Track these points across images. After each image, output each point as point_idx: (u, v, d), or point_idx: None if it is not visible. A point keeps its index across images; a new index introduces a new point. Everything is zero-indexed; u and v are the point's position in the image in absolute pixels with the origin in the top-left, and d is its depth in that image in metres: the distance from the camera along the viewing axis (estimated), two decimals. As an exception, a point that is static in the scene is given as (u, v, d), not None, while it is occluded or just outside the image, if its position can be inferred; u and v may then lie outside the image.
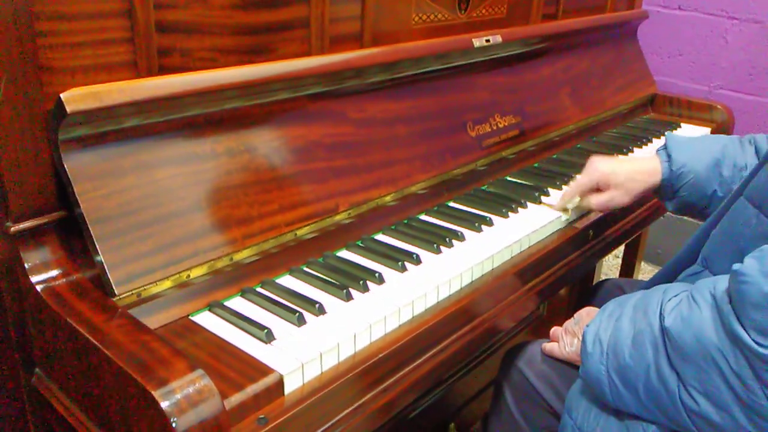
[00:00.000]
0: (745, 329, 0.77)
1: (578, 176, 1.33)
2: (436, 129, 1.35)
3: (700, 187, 1.27)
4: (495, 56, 1.53)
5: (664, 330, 0.87)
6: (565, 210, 1.33)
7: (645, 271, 2.87)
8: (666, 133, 1.38)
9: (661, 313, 0.89)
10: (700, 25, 2.62)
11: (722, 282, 0.84)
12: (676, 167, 1.27)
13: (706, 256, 1.06)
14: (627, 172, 1.29)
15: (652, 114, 2.10)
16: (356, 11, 1.25)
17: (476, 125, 1.44)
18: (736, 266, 0.80)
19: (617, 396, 0.93)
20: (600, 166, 1.29)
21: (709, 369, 0.81)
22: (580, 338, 1.01)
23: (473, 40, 1.43)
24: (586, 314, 1.16)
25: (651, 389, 0.88)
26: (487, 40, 1.46)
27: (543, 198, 1.37)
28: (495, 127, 1.48)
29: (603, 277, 1.73)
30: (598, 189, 1.30)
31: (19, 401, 1.02)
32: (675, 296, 0.90)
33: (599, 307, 1.12)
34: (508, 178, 1.49)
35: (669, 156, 1.29)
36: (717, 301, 0.82)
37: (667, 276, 1.16)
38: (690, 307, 0.86)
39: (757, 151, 1.27)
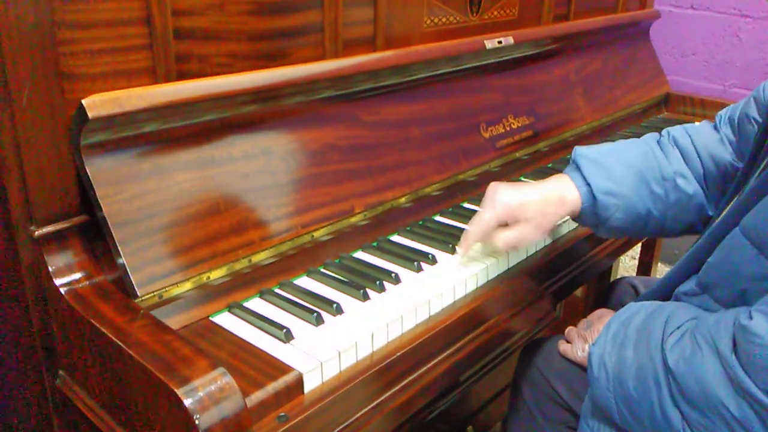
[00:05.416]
0: (758, 388, 0.76)
1: (478, 212, 1.09)
2: (450, 130, 1.36)
3: (632, 210, 1.09)
4: (507, 58, 1.54)
5: (666, 368, 0.86)
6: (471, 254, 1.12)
7: (662, 272, 2.85)
8: (574, 148, 1.15)
9: (663, 348, 0.87)
10: (712, 23, 2.61)
11: (724, 325, 0.82)
12: (598, 193, 1.08)
13: (703, 283, 0.97)
14: (538, 203, 1.08)
15: (666, 113, 2.09)
16: (369, 15, 1.26)
17: (489, 126, 1.45)
18: (744, 321, 0.78)
19: (626, 422, 0.93)
20: (504, 199, 1.07)
21: (714, 417, 0.81)
22: (591, 344, 1.01)
23: (485, 41, 1.44)
24: (598, 318, 1.15)
25: (656, 425, 0.88)
26: (499, 42, 1.47)
27: None
28: (508, 128, 1.49)
29: (619, 278, 1.72)
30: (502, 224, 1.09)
31: (44, 403, 1.04)
32: (677, 328, 0.89)
33: (614, 307, 1.13)
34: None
35: (585, 180, 1.09)
36: (720, 350, 0.80)
37: (663, 294, 1.07)
38: (692, 347, 0.84)
39: (682, 155, 1.14)
